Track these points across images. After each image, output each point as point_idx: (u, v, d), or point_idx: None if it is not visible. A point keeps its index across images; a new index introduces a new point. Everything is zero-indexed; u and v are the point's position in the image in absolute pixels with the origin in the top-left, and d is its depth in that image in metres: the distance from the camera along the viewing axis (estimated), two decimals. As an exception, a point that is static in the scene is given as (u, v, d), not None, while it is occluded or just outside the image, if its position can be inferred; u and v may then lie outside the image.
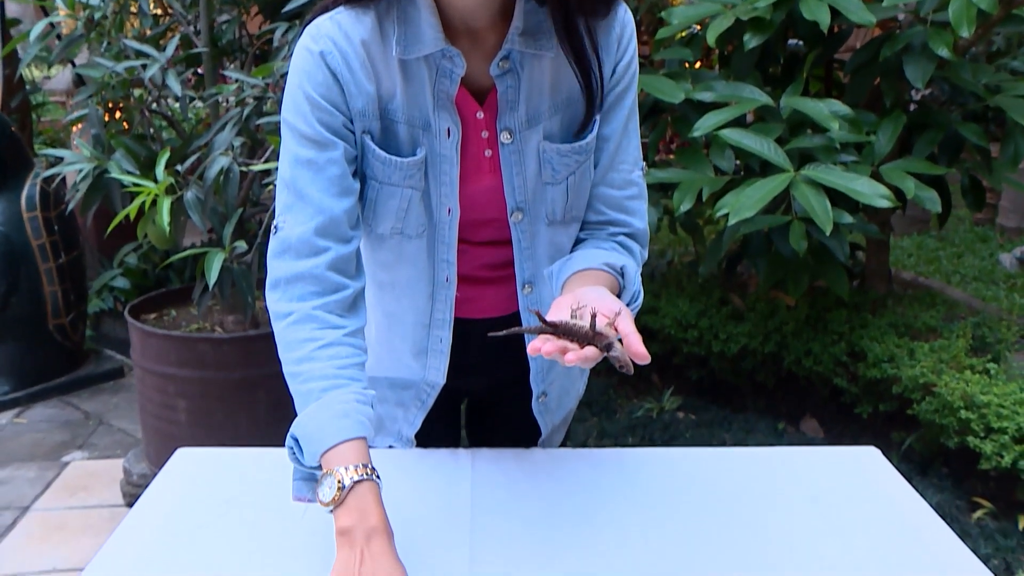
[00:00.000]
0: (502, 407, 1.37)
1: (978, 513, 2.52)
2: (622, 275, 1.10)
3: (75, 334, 3.71)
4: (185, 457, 1.26)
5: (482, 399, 1.40)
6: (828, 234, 2.11)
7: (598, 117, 1.12)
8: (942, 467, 2.71)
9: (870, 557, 1.02)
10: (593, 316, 0.88)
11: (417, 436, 1.30)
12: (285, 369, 1.01)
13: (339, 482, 0.91)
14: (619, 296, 1.09)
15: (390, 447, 1.30)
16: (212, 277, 2.20)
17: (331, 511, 0.92)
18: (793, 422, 3.08)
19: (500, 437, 1.31)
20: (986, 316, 3.02)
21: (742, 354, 3.03)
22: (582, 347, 0.87)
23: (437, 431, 1.33)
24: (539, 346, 0.86)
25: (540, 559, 1.00)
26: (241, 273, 2.36)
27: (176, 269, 3.95)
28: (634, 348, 0.86)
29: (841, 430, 2.94)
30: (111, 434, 3.30)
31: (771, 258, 2.64)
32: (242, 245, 2.30)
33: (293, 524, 1.07)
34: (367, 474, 0.92)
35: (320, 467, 0.95)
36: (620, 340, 0.88)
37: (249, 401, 2.57)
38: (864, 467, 1.25)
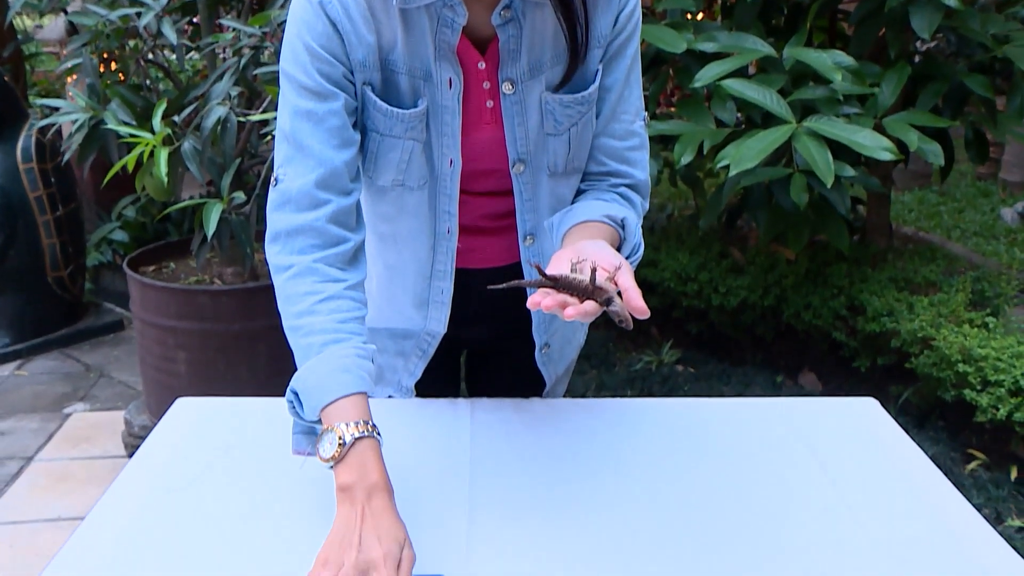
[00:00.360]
0: (503, 358, 1.37)
1: (972, 465, 2.55)
2: (623, 227, 1.09)
3: (74, 287, 3.71)
4: (185, 407, 1.27)
5: (483, 350, 1.40)
6: (829, 187, 2.09)
7: (600, 68, 1.11)
8: (938, 420, 2.73)
9: (868, 506, 1.03)
10: (593, 270, 0.88)
11: (417, 387, 1.31)
12: (285, 323, 1.01)
13: (340, 438, 0.90)
14: (619, 249, 1.09)
15: (389, 397, 1.30)
16: (210, 228, 2.19)
17: (331, 467, 0.91)
18: (791, 375, 3.09)
19: (502, 389, 1.31)
20: (986, 271, 3.02)
21: (741, 307, 3.04)
22: (582, 301, 0.87)
23: (436, 383, 1.34)
24: (539, 300, 0.86)
25: (539, 508, 1.01)
26: (239, 224, 2.35)
27: (175, 222, 3.94)
28: (633, 303, 0.85)
29: (839, 383, 2.96)
30: (112, 386, 3.31)
31: (771, 211, 2.63)
32: (240, 196, 2.28)
33: (293, 472, 1.08)
34: (368, 431, 0.91)
35: (320, 421, 0.94)
36: (619, 294, 0.88)
37: (249, 353, 2.57)
38: (863, 418, 1.25)
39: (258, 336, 2.55)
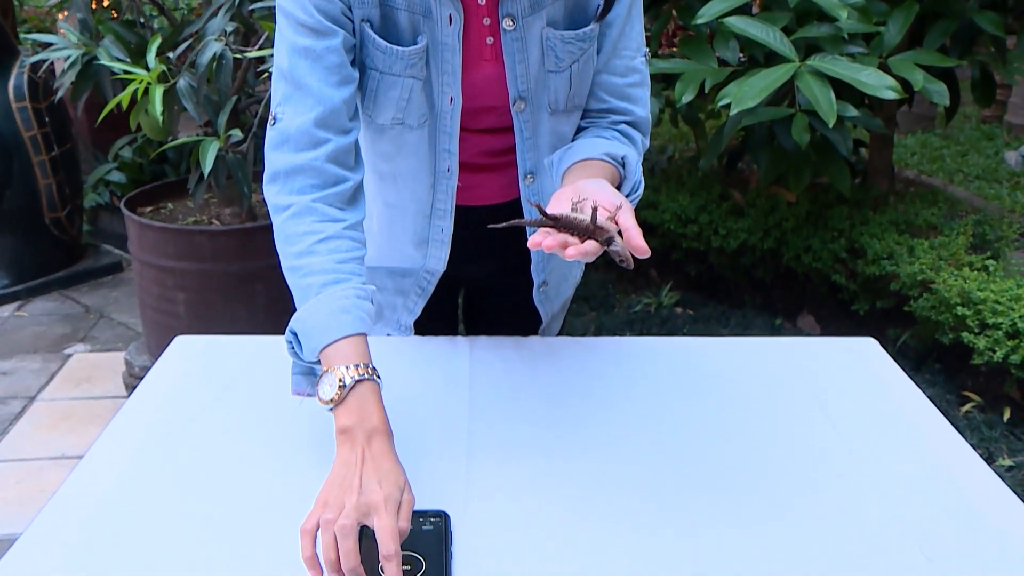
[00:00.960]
0: (501, 296, 1.37)
1: (966, 407, 2.57)
2: (623, 165, 1.08)
3: (72, 228, 3.69)
4: (183, 345, 1.27)
5: (481, 288, 1.40)
6: (831, 127, 2.07)
7: (602, 2, 1.09)
8: (935, 363, 2.75)
9: (865, 444, 1.03)
10: (594, 209, 0.87)
11: (415, 326, 1.31)
12: (284, 263, 1.00)
13: (340, 380, 0.89)
14: (619, 187, 1.08)
15: (388, 335, 1.30)
16: (207, 166, 2.17)
17: (331, 410, 0.90)
18: (790, 318, 3.10)
19: (499, 326, 1.31)
20: (987, 214, 3.00)
21: (741, 250, 3.03)
22: (582, 241, 0.86)
23: (435, 321, 1.34)
24: (539, 240, 0.85)
25: (537, 446, 1.02)
26: (236, 163, 2.33)
27: (172, 163, 3.91)
28: (634, 242, 0.85)
29: (837, 327, 2.97)
30: (112, 327, 3.32)
31: (773, 152, 2.60)
32: (237, 134, 2.26)
33: (292, 411, 1.08)
34: (368, 374, 0.90)
35: (319, 362, 0.93)
36: (620, 234, 0.87)
37: (248, 293, 2.57)
38: (862, 358, 1.26)
39: (257, 276, 2.55)
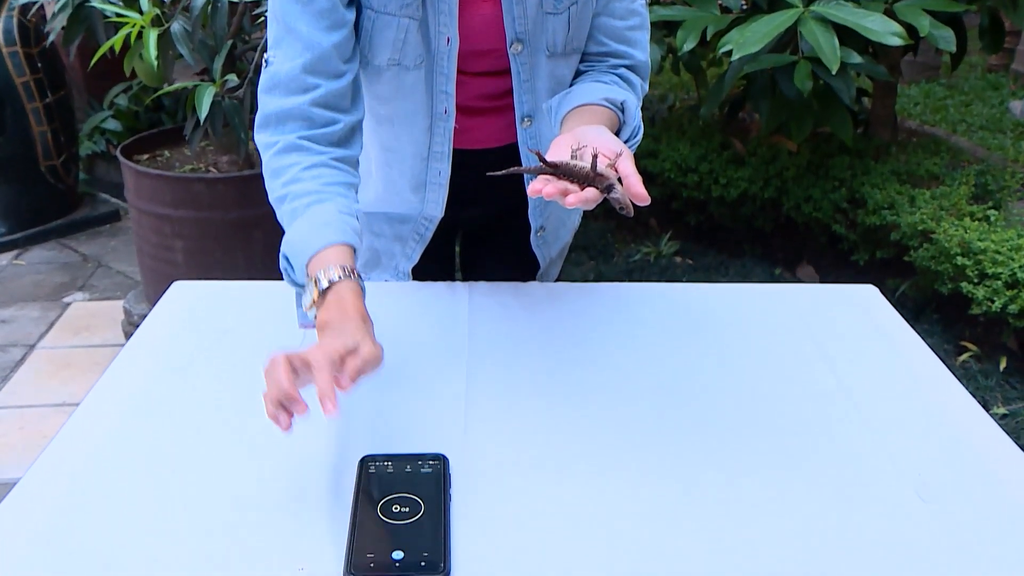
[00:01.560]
0: (498, 241, 1.37)
1: (963, 356, 2.58)
2: (622, 111, 1.07)
3: (68, 176, 3.67)
4: (181, 290, 1.26)
5: (478, 233, 1.39)
6: (834, 73, 2.05)
7: None
8: (933, 313, 2.75)
9: (865, 390, 1.03)
10: (594, 157, 0.86)
11: (413, 272, 1.31)
12: (271, 196, 1.00)
13: (317, 283, 0.88)
14: (619, 132, 1.06)
15: (386, 281, 1.30)
16: (203, 111, 2.15)
17: (315, 316, 0.88)
18: (789, 268, 3.10)
19: (497, 272, 1.31)
20: (990, 164, 2.98)
21: (741, 199, 3.02)
22: (582, 188, 0.86)
23: (433, 268, 1.34)
24: (539, 188, 0.85)
25: (536, 390, 1.02)
26: (233, 108, 2.31)
27: (168, 112, 3.87)
28: (634, 189, 0.84)
29: (837, 277, 2.97)
30: (110, 276, 3.32)
31: (774, 100, 2.58)
32: (233, 79, 2.23)
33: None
34: (345, 274, 0.88)
35: None
36: (620, 181, 0.86)
37: (246, 241, 2.57)
38: (862, 305, 1.25)
39: (255, 224, 2.54)
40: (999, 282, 2.35)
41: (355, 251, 0.94)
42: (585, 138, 0.92)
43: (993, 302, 2.35)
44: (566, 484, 0.86)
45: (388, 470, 0.86)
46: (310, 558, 0.76)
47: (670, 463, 0.90)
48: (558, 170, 0.87)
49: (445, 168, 1.18)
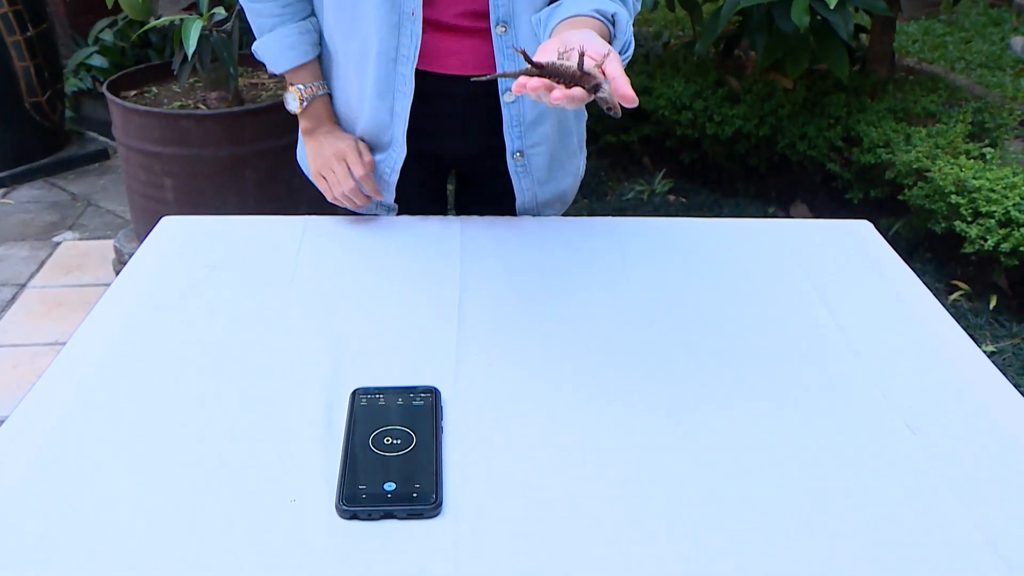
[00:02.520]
0: (487, 181, 1.33)
1: (954, 295, 2.59)
2: (613, 23, 1.04)
3: (54, 114, 3.61)
4: (170, 225, 1.25)
5: (467, 171, 1.37)
6: (833, 8, 2.01)
7: None
8: (926, 252, 2.75)
9: (857, 324, 1.03)
10: (581, 55, 0.84)
11: (404, 210, 1.29)
12: (244, 5, 1.22)
13: (300, 98, 1.24)
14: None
15: (375, 215, 1.29)
16: (190, 46, 2.10)
17: (298, 115, 1.26)
18: (783, 207, 3.09)
19: (482, 205, 1.29)
20: (988, 102, 2.95)
21: (736, 137, 2.99)
22: (569, 88, 0.84)
23: (424, 205, 1.32)
24: (524, 82, 0.83)
25: (527, 324, 1.02)
26: (221, 43, 2.26)
27: (155, 48, 3.79)
28: (622, 90, 0.82)
29: (831, 216, 2.94)
30: (100, 215, 3.29)
31: (771, 36, 2.54)
32: (221, 12, 2.18)
33: (281, 286, 1.08)
34: (318, 91, 1.25)
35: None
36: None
37: (237, 178, 2.54)
38: (857, 240, 1.25)
39: (246, 162, 2.50)
40: (992, 220, 2.34)
41: (319, 58, 1.25)
42: (572, 41, 0.89)
43: (986, 240, 2.35)
44: (558, 415, 0.86)
45: (380, 403, 0.86)
46: (302, 490, 0.77)
47: (662, 393, 0.90)
48: (544, 70, 0.84)
49: (409, 72, 1.15)
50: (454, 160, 1.34)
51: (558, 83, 0.84)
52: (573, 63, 0.84)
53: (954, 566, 0.70)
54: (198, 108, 2.67)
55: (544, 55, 0.88)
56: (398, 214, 1.30)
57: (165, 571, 0.68)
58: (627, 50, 1.05)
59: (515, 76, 0.85)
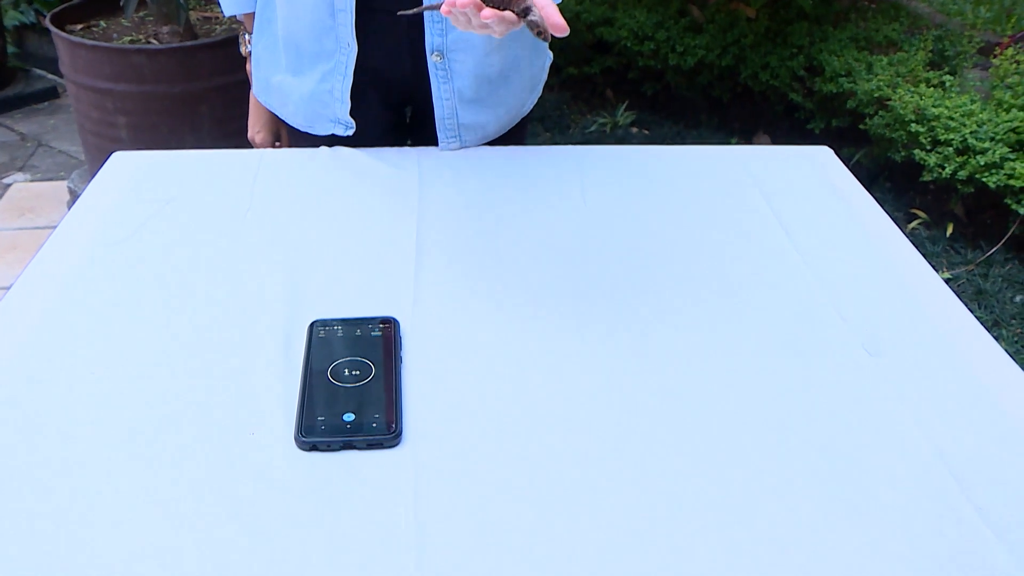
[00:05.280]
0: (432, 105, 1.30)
1: (913, 224, 2.62)
2: None
3: (-3, 50, 3.49)
4: (122, 161, 1.22)
5: (417, 96, 1.32)
6: (797, -68, 1.98)
7: None
8: (886, 182, 2.77)
9: (817, 249, 1.04)
10: None
11: (362, 142, 1.26)
12: None
13: (247, 44, 1.35)
14: None
15: (332, 135, 1.26)
16: (136, -22, 2.03)
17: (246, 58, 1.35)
18: (746, 138, 3.09)
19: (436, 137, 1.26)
20: (949, 29, 2.95)
21: (698, 68, 2.97)
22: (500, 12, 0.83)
23: (381, 137, 1.30)
24: (454, 1, 0.82)
25: (486, 252, 1.01)
26: (168, -26, 2.18)
27: (101, -21, 3.66)
28: (552, 19, 0.81)
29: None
30: (52, 156, 3.20)
31: (735, -37, 2.50)
32: (165, -58, 2.10)
33: (237, 220, 1.06)
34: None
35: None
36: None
37: (192, 115, 2.48)
38: (817, 166, 1.25)
39: (201, 98, 2.44)
40: (950, 148, 2.36)
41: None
42: None
43: (944, 168, 2.37)
44: (516, 343, 0.86)
45: (338, 334, 0.85)
46: (261, 423, 0.76)
47: (621, 319, 0.90)
48: None
49: None
50: (401, 84, 1.29)
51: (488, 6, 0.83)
52: None
53: (907, 482, 0.72)
54: (150, 43, 2.59)
55: None
56: (355, 147, 1.28)
57: (122, 504, 0.68)
58: None
59: (438, 8, 0.84)
